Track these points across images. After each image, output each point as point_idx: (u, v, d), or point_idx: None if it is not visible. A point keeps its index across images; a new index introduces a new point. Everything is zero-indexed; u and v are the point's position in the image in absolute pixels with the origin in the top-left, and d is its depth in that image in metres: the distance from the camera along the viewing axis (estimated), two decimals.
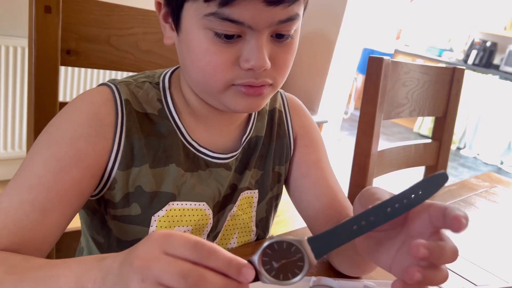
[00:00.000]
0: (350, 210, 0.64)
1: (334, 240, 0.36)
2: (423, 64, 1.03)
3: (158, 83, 0.60)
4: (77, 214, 0.56)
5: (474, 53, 5.06)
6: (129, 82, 0.58)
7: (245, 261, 0.34)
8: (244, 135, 0.63)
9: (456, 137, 4.92)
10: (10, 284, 0.41)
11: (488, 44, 5.06)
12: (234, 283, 0.33)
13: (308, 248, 0.36)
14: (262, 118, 0.65)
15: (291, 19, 0.48)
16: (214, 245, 0.34)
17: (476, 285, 0.66)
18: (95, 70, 2.01)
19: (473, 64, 5.04)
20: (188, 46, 0.51)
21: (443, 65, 5.07)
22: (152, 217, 0.57)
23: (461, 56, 5.32)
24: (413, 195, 0.36)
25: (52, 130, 0.53)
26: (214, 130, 0.61)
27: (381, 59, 0.83)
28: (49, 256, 0.74)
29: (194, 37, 0.49)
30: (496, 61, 5.12)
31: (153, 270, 0.32)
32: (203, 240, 0.33)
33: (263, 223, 0.69)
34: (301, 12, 0.50)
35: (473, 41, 5.18)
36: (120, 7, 0.78)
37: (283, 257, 0.35)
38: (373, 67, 0.83)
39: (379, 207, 0.36)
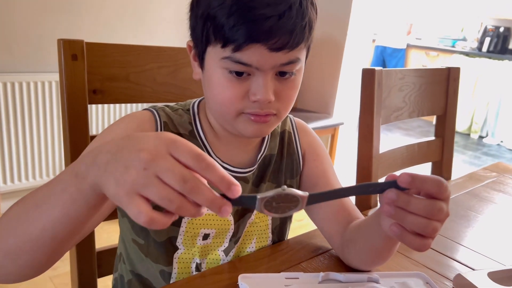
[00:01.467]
0: (357, 212, 0.73)
1: (324, 196, 0.47)
2: (417, 68, 1.09)
3: (189, 110, 0.72)
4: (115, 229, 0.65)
5: (487, 40, 5.01)
6: (165, 108, 0.71)
7: (236, 181, 0.40)
8: (259, 153, 0.74)
9: (477, 126, 4.87)
10: (29, 201, 0.47)
11: (501, 29, 5.01)
12: (221, 200, 0.39)
13: (305, 201, 0.45)
14: (274, 139, 0.76)
15: (292, 62, 0.59)
16: (212, 160, 0.39)
17: (473, 269, 0.72)
18: (118, 105, 2.20)
19: (488, 51, 4.99)
20: (209, 81, 0.63)
21: (458, 55, 5.04)
22: (183, 219, 0.68)
23: (475, 44, 5.27)
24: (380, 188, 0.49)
25: (103, 133, 0.65)
26: (234, 150, 0.71)
27: (373, 70, 0.90)
28: (92, 270, 0.85)
29: (214, 74, 0.61)
30: (511, 46, 5.05)
31: (158, 165, 0.37)
32: (205, 153, 0.39)
33: (277, 230, 0.78)
34: (302, 56, 0.61)
35: (485, 28, 5.13)
36: (135, 47, 0.88)
37: (283, 201, 0.44)
38: (366, 78, 0.90)
39: (362, 186, 0.49)
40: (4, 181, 2.01)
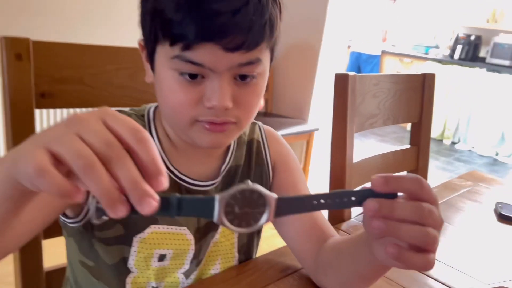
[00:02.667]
0: (330, 229, 0.66)
1: (297, 206, 0.39)
2: (392, 74, 1.06)
3: (143, 116, 0.64)
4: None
5: (459, 48, 5.11)
6: None
7: (150, 190, 0.30)
8: (223, 164, 0.66)
9: (449, 132, 4.95)
10: None
11: (473, 37, 5.11)
12: (145, 186, 0.30)
13: (273, 205, 0.37)
14: (240, 148, 0.69)
15: (252, 63, 0.52)
16: (125, 153, 0.31)
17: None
18: (71, 110, 2.05)
19: (460, 58, 5.09)
20: (159, 85, 0.56)
21: (431, 62, 5.12)
22: (134, 238, 0.60)
23: (447, 52, 5.37)
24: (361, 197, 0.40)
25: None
26: (194, 160, 0.64)
27: (346, 75, 0.85)
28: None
29: (164, 77, 0.54)
30: (482, 54, 5.17)
31: (83, 125, 0.31)
32: (117, 142, 0.31)
33: (245, 249, 0.71)
34: (263, 57, 0.54)
35: (457, 36, 5.23)
36: (91, 47, 0.80)
37: (247, 206, 0.36)
38: (339, 84, 0.85)
39: (337, 194, 0.40)
40: None
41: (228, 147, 0.68)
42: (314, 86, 2.81)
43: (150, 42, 0.54)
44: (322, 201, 0.39)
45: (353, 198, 0.40)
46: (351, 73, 0.86)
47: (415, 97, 1.11)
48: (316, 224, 0.66)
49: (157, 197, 0.31)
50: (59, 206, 0.56)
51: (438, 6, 5.59)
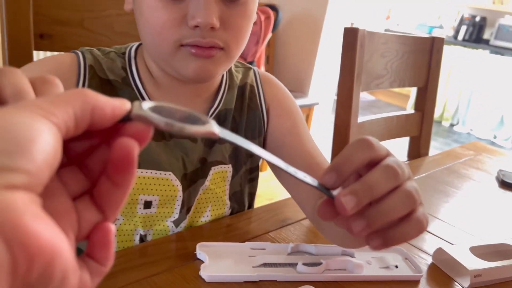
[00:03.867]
0: None
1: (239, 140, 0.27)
2: (401, 34, 1.03)
3: (124, 53, 0.61)
4: None
5: (463, 28, 5.04)
6: (94, 50, 0.60)
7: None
8: (212, 107, 0.63)
9: (448, 113, 4.93)
10: None
11: (478, 19, 5.04)
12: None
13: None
14: (231, 92, 0.65)
15: None
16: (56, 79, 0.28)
17: (453, 244, 0.67)
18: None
19: (463, 39, 5.03)
20: (139, 6, 0.52)
21: (429, 36, 5.04)
22: None
23: (451, 33, 5.30)
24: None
25: None
26: (177, 101, 0.60)
27: (356, 29, 0.83)
28: None
29: None
30: (486, 35, 5.10)
31: None
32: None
33: (237, 196, 0.68)
34: None
35: (462, 16, 5.16)
36: None
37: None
38: (349, 38, 0.83)
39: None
40: None
41: (218, 89, 0.64)
42: (316, 60, 2.77)
43: None
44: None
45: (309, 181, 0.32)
46: (361, 28, 0.83)
47: (422, 61, 1.08)
48: (313, 166, 0.62)
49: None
50: None
51: None
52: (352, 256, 0.59)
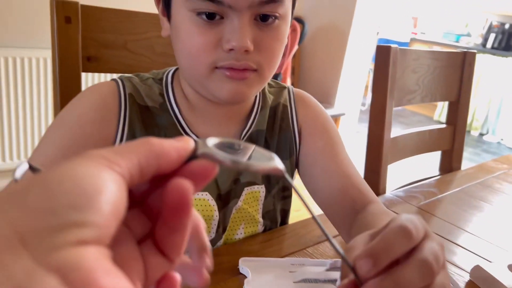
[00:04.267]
0: (367, 194, 0.62)
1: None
2: (433, 50, 1.03)
3: (161, 79, 0.63)
4: None
5: (492, 36, 4.95)
6: (133, 78, 0.63)
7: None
8: (244, 129, 0.64)
9: (478, 123, 4.83)
10: None
11: (507, 26, 4.95)
12: None
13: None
14: (263, 113, 0.65)
15: (273, 1, 0.50)
16: None
17: (490, 261, 0.68)
18: (115, 75, 2.09)
19: (492, 47, 4.94)
20: (176, 31, 0.54)
21: (461, 50, 4.97)
22: None
23: (479, 40, 5.22)
24: None
25: (62, 114, 0.58)
26: (213, 124, 0.62)
27: (389, 47, 0.84)
28: None
29: (180, 20, 0.52)
30: None
31: None
32: None
33: (270, 215, 0.69)
34: None
35: (490, 24, 5.07)
36: (134, 13, 0.82)
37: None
38: (381, 55, 0.84)
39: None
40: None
41: (251, 111, 0.65)
42: (341, 70, 2.77)
43: None
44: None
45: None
46: (393, 46, 0.85)
47: (454, 75, 1.08)
48: (348, 187, 0.62)
49: None
50: None
51: None
52: None
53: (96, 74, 2.03)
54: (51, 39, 0.75)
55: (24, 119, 1.97)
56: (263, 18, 0.51)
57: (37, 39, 1.94)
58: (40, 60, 1.91)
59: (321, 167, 0.65)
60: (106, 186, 0.18)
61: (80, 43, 0.76)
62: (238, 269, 0.56)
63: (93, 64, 0.79)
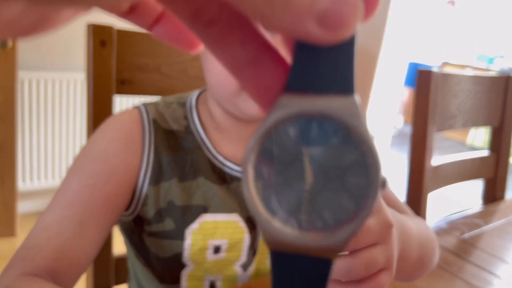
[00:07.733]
0: (400, 207, 0.63)
1: None
2: (475, 74, 0.99)
3: (185, 103, 0.64)
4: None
5: None
6: (158, 103, 0.63)
7: None
8: None
9: None
10: None
11: None
12: None
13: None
14: None
15: None
16: None
17: None
18: (148, 98, 2.11)
19: None
20: (205, 50, 0.52)
21: (495, 73, 4.84)
22: (186, 230, 0.58)
23: None
24: None
25: (86, 148, 0.57)
26: (239, 144, 0.62)
27: (430, 72, 0.81)
28: (108, 281, 0.77)
29: None
30: None
31: None
32: None
33: None
34: None
35: None
36: None
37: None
38: (423, 80, 0.81)
39: None
40: (24, 180, 1.98)
41: None
42: (370, 95, 2.73)
43: None
44: None
45: None
46: (434, 70, 0.82)
47: (496, 100, 1.03)
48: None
49: None
50: (120, 206, 0.55)
51: (502, 14, 5.31)
52: None
53: (129, 97, 2.06)
54: (86, 62, 0.75)
55: (60, 140, 2.00)
56: None
57: (72, 61, 1.99)
58: (78, 82, 1.96)
59: None
60: None
61: (114, 66, 0.76)
62: None
63: (127, 87, 0.79)
